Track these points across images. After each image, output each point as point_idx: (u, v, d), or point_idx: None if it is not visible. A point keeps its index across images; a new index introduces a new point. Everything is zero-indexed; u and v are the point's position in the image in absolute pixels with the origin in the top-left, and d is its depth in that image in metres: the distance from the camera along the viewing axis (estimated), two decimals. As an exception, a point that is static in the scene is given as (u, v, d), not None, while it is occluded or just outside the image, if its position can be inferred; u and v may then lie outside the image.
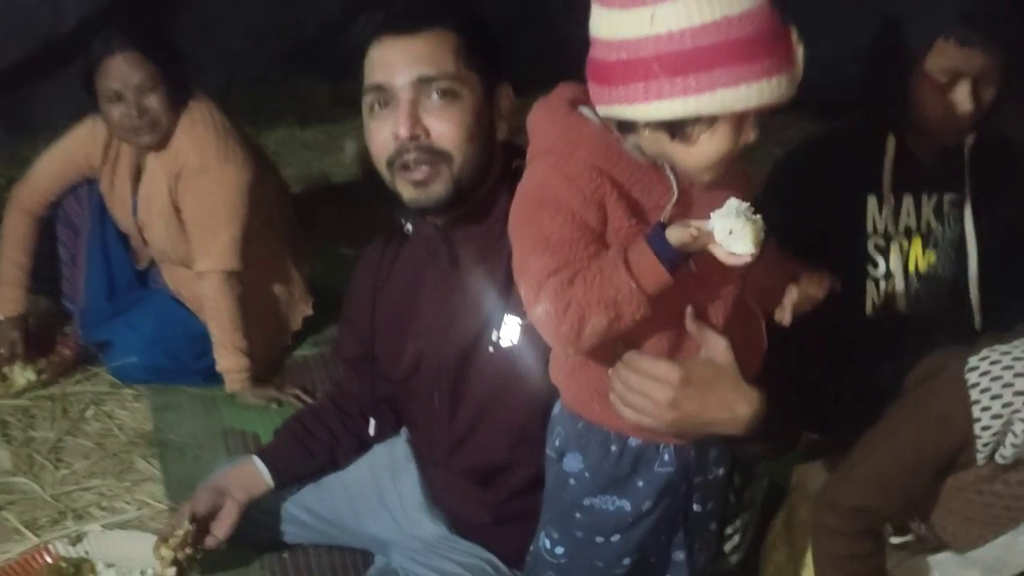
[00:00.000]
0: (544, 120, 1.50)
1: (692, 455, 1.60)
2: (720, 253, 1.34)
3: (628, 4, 1.31)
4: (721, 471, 1.66)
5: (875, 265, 2.25)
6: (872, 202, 2.23)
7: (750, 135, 1.36)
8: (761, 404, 1.52)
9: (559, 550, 1.67)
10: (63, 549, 2.16)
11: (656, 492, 1.59)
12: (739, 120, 1.33)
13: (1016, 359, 1.62)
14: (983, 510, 1.73)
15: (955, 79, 2.05)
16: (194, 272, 2.87)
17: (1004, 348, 1.65)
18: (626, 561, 1.64)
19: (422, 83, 1.73)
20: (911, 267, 2.26)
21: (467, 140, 1.76)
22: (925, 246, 2.26)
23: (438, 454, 2.01)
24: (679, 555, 1.68)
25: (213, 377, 2.91)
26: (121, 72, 2.68)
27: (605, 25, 1.34)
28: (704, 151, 1.36)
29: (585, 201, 1.42)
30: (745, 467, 1.78)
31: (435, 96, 1.74)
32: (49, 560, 2.13)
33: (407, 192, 1.78)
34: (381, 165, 1.79)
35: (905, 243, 2.25)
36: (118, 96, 2.69)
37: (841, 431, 1.91)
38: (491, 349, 1.83)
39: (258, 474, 2.11)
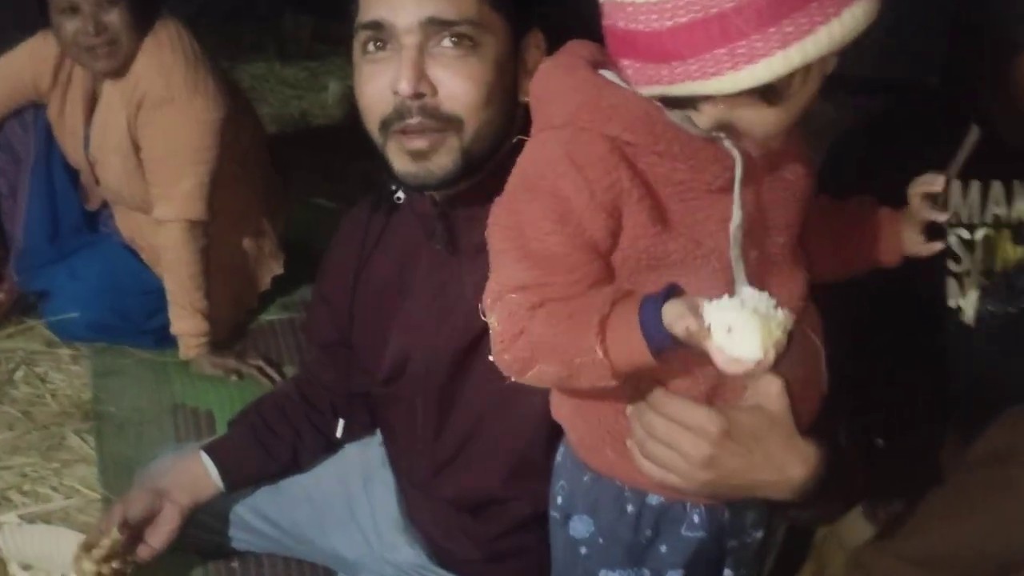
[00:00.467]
0: (561, 85, 1.16)
1: (727, 517, 1.31)
2: (719, 358, 1.04)
3: None
4: (760, 534, 1.37)
5: (957, 260, 1.92)
6: (955, 188, 1.92)
7: (832, 63, 1.09)
8: (818, 463, 1.21)
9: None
10: (-30, 545, 1.85)
11: (684, 561, 1.31)
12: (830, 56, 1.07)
13: None
14: None
15: None
16: (152, 219, 2.53)
17: None
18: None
19: (433, 26, 1.37)
20: (998, 263, 1.93)
21: (484, 102, 1.40)
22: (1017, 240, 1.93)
23: (418, 474, 1.69)
24: None
25: (166, 340, 2.59)
26: None
27: None
28: (797, 102, 1.09)
29: (591, 201, 1.11)
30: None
31: (448, 43, 1.37)
32: (-50, 558, 1.81)
33: (401, 163, 1.42)
34: (372, 124, 1.43)
35: (992, 234, 1.92)
36: (73, 8, 2.33)
37: (890, 463, 1.60)
38: (492, 356, 1.50)
39: (206, 475, 1.80)
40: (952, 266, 1.92)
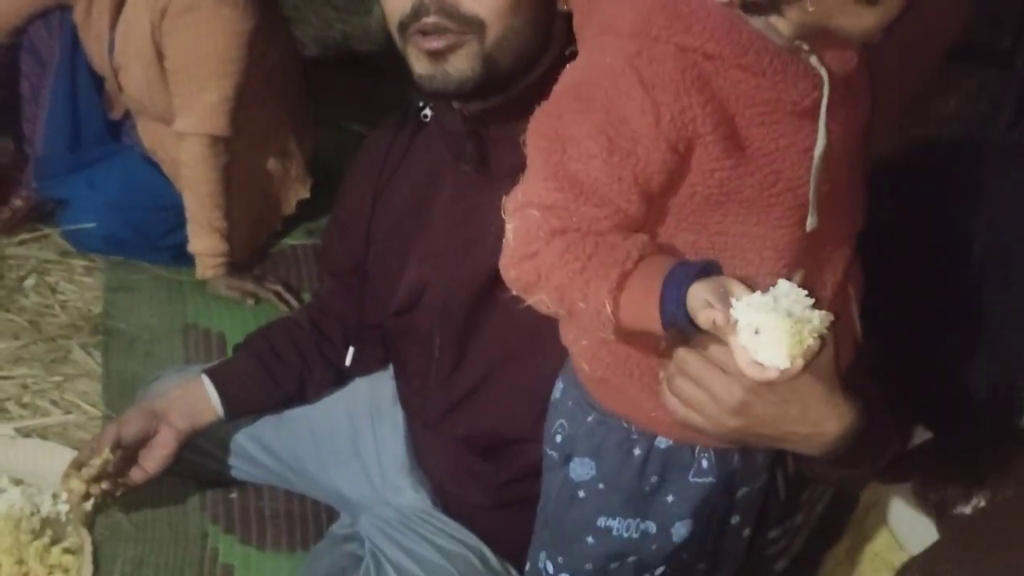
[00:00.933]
0: None
1: (737, 462, 1.23)
2: (741, 359, 0.97)
3: None
4: (765, 476, 1.30)
5: None
6: None
7: None
8: (854, 421, 1.12)
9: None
10: (-39, 456, 1.80)
11: (691, 510, 1.23)
12: None
13: None
14: None
15: None
16: (174, 131, 2.44)
17: None
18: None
19: None
20: None
21: (510, 6, 1.32)
22: None
23: (430, 413, 1.61)
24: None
25: (183, 257, 2.51)
26: None
27: None
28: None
29: (655, 129, 1.00)
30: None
31: None
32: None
33: (420, 65, 1.36)
34: (393, 23, 1.37)
35: None
36: None
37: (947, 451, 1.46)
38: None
39: (206, 399, 1.72)
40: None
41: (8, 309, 2.33)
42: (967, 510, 1.38)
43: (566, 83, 1.07)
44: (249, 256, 2.61)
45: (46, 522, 1.68)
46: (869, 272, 1.25)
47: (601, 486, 1.24)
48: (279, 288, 2.50)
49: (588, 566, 1.28)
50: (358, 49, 4.04)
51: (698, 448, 1.21)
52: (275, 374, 1.74)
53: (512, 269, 1.09)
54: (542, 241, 1.05)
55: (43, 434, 1.98)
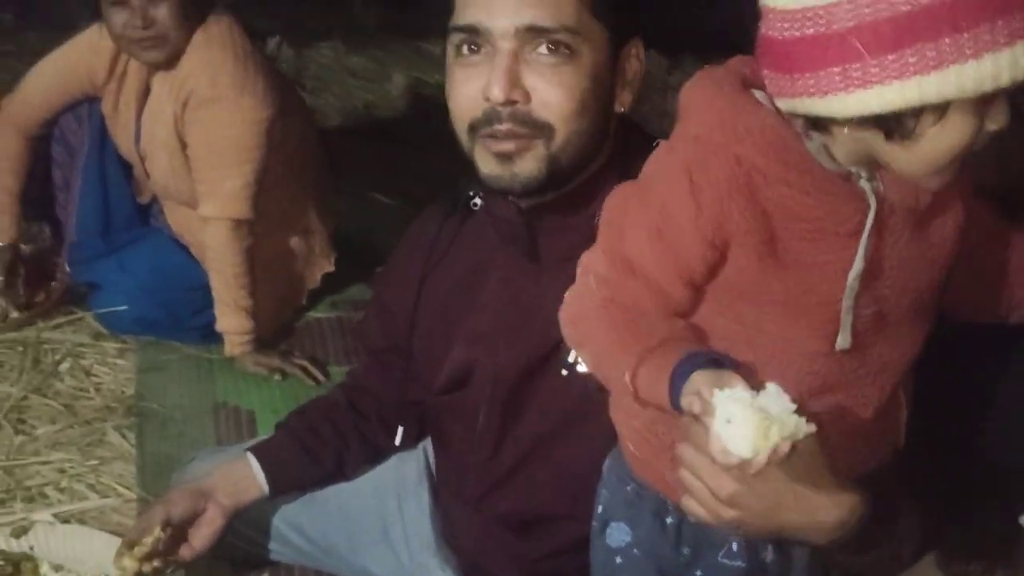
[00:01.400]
0: (703, 98, 1.12)
1: (771, 557, 1.25)
2: (713, 445, 1.02)
3: None
4: None
5: None
6: None
7: (1000, 118, 0.98)
8: (855, 510, 1.14)
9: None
10: (3, 541, 1.84)
11: None
12: (982, 100, 0.95)
13: None
14: None
15: None
16: (199, 215, 2.50)
17: None
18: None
19: (530, 33, 1.34)
20: None
21: (577, 112, 1.37)
22: None
23: (470, 490, 1.64)
24: None
25: (212, 335, 2.56)
26: None
27: None
28: (933, 148, 0.99)
29: (694, 226, 1.08)
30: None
31: (544, 50, 1.35)
32: (-18, 552, 1.80)
33: (488, 166, 1.41)
34: (461, 126, 1.42)
35: None
36: (122, 1, 2.31)
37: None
38: (564, 372, 1.47)
39: (251, 477, 1.75)
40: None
41: (45, 394, 2.37)
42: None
43: (644, 172, 1.17)
44: (275, 331, 2.66)
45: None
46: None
47: (636, 551, 1.28)
48: (305, 363, 2.54)
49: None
50: (380, 117, 4.10)
51: None
52: (315, 452, 1.77)
53: (568, 326, 1.21)
54: (593, 308, 1.16)
55: (81, 518, 2.01)
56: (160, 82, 2.46)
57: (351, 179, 3.15)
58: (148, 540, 1.66)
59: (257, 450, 1.78)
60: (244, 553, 1.87)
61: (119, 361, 2.54)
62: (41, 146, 2.67)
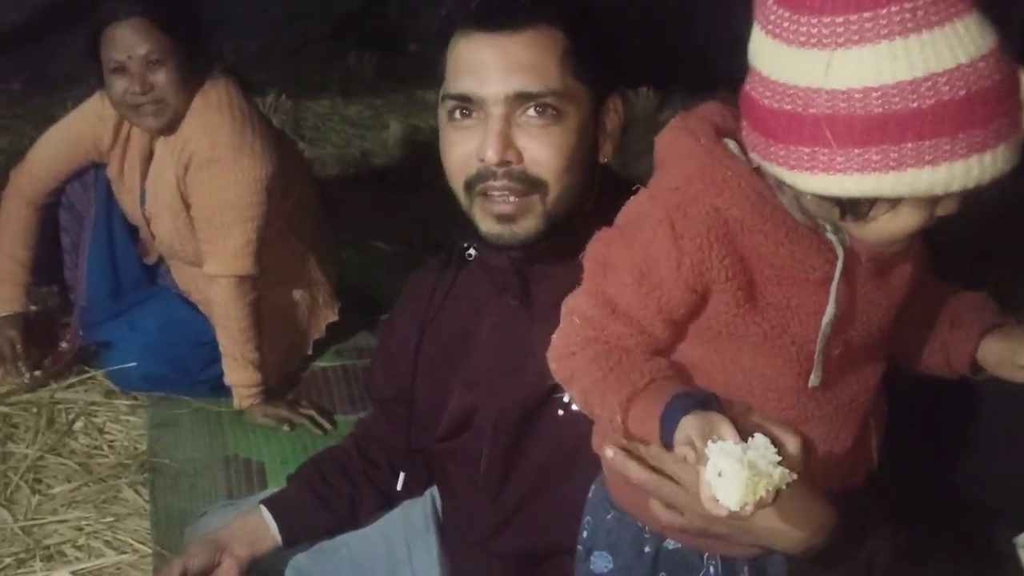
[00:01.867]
0: (681, 149, 1.19)
1: (747, 575, 1.30)
2: (703, 492, 1.06)
3: (799, 41, 1.01)
4: None
5: None
6: None
7: (951, 207, 1.04)
8: (827, 525, 1.21)
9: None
10: (24, 601, 1.90)
11: None
12: (933, 198, 1.02)
13: None
14: None
15: None
16: (203, 273, 2.57)
17: None
18: None
19: (520, 98, 1.42)
20: None
21: (567, 168, 1.45)
22: None
23: (476, 532, 1.69)
24: None
25: (221, 388, 2.63)
26: (126, 41, 2.38)
27: (768, 59, 1.04)
28: (885, 230, 1.07)
29: (676, 272, 1.14)
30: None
31: (533, 113, 1.43)
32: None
33: (488, 226, 1.48)
34: (457, 184, 1.49)
35: None
36: (121, 68, 2.39)
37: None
38: (561, 412, 1.52)
39: (265, 528, 1.79)
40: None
41: (60, 453, 2.43)
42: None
43: (623, 216, 1.23)
44: (281, 381, 2.71)
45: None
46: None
47: None
48: (312, 413, 2.60)
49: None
50: (377, 164, 4.17)
51: (706, 554, 1.30)
52: (328, 502, 1.82)
53: (554, 363, 1.25)
54: (577, 345, 1.20)
55: (99, 575, 2.07)
56: (162, 146, 2.53)
57: (351, 227, 3.20)
58: None
59: (270, 502, 1.83)
60: (256, 604, 1.92)
61: (131, 418, 2.60)
62: (49, 213, 2.74)
